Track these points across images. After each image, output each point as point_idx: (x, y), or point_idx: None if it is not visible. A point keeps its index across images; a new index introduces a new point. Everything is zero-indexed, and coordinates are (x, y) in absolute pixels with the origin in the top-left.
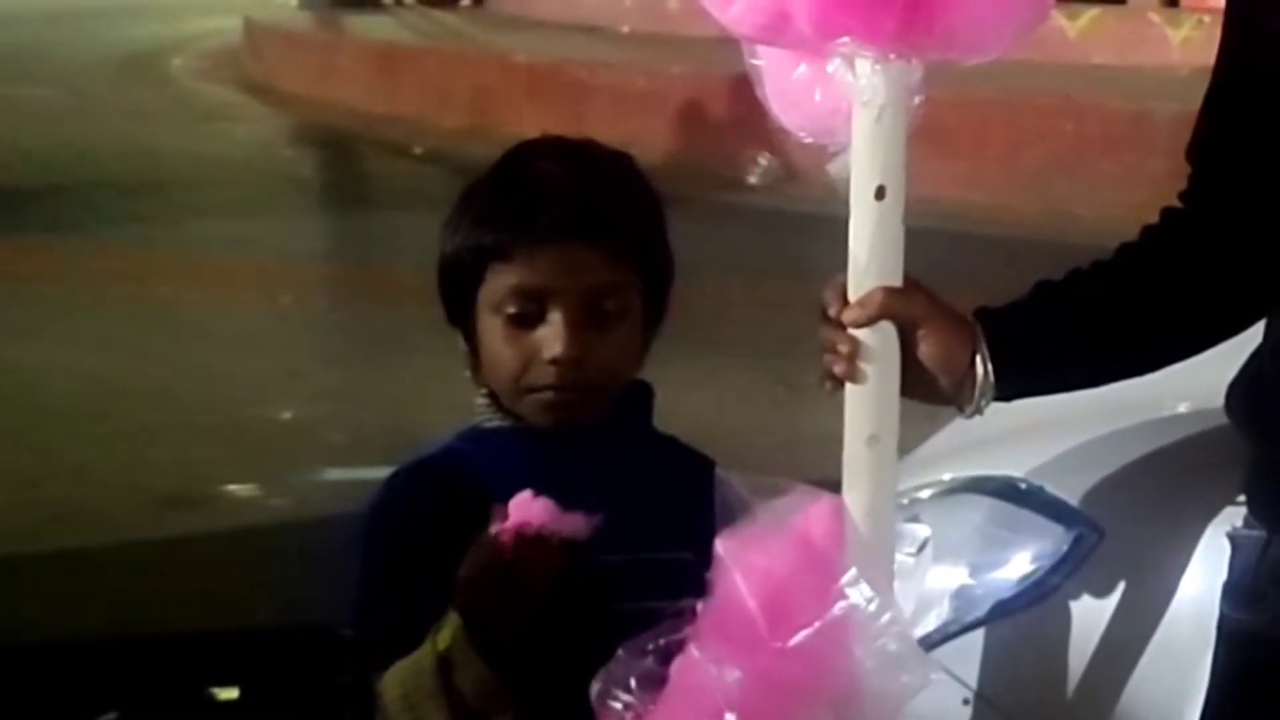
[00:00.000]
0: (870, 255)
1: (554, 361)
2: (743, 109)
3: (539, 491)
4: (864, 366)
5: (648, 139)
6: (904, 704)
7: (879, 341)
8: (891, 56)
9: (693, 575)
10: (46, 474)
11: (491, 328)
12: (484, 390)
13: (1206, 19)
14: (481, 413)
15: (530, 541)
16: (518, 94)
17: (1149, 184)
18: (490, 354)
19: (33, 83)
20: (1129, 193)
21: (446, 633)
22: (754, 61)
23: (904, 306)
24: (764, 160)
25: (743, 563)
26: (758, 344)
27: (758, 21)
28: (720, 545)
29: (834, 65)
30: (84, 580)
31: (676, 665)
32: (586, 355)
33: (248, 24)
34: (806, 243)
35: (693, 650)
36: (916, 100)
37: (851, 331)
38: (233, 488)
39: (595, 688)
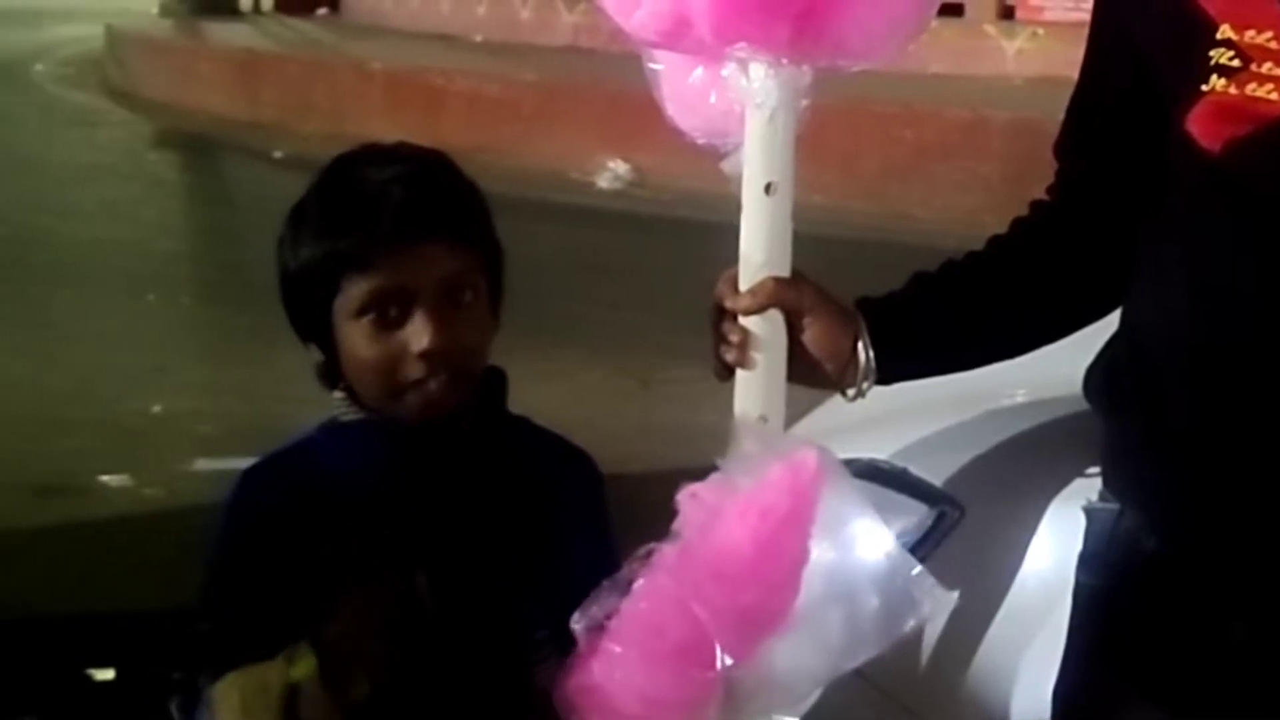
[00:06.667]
0: (760, 248)
1: (424, 355)
2: (592, 115)
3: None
4: (754, 353)
5: (501, 144)
6: (917, 625)
7: (768, 329)
8: (784, 62)
9: (549, 566)
10: None
11: (354, 334)
12: (341, 385)
13: (1040, 31)
14: (339, 406)
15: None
16: (375, 100)
17: (983, 187)
18: (357, 359)
19: None
20: (964, 196)
21: (303, 666)
22: (652, 66)
23: (793, 295)
24: (613, 165)
25: (733, 504)
26: (607, 340)
27: (660, 28)
28: (709, 487)
29: (729, 70)
30: None
31: (648, 599)
32: (452, 343)
33: (109, 31)
34: (653, 243)
35: (667, 584)
36: (804, 103)
37: (742, 320)
38: (105, 478)
39: (578, 623)
